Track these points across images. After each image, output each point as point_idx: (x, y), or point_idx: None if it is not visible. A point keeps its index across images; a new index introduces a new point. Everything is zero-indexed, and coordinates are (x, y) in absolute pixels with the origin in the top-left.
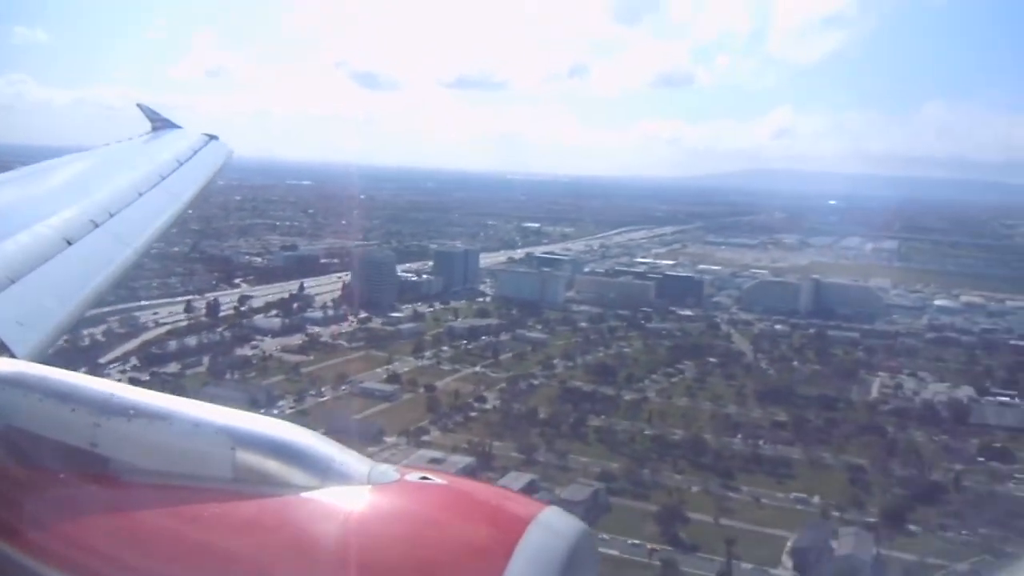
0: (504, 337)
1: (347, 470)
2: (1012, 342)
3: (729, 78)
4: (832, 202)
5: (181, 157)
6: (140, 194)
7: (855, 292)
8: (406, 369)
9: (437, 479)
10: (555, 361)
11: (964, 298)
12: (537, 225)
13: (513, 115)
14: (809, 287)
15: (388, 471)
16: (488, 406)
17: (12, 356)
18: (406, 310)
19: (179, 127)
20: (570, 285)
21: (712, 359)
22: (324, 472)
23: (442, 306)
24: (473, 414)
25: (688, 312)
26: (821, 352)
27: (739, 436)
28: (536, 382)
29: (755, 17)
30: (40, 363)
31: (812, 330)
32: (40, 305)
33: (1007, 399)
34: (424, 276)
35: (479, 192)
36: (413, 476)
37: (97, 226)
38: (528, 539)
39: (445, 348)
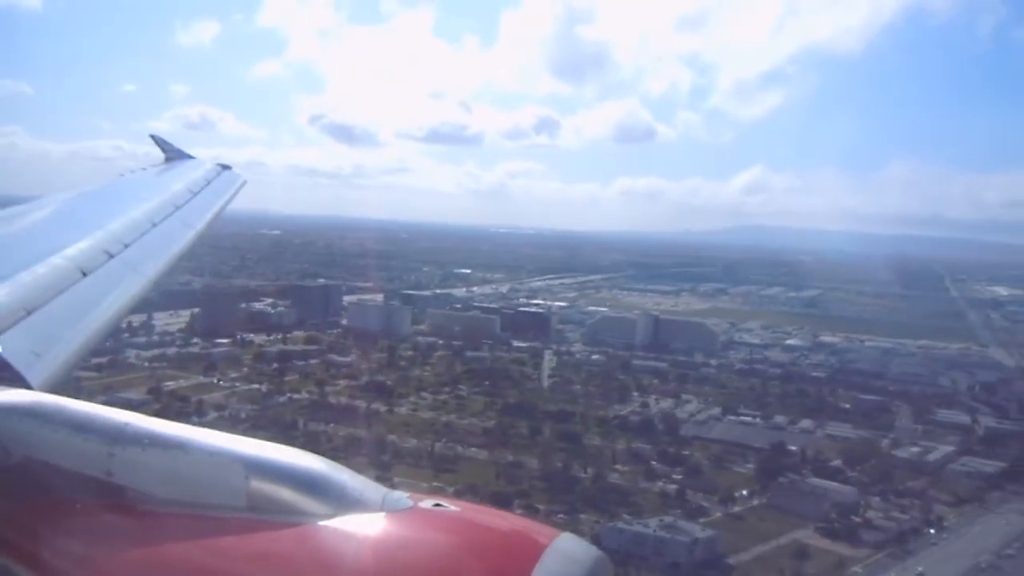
0: (312, 361)
1: (361, 497)
2: (814, 374)
3: (691, 134)
4: (804, 258)
5: (194, 187)
6: (154, 224)
7: (692, 328)
8: (181, 385)
9: (451, 506)
10: (339, 381)
11: (823, 338)
12: (468, 271)
13: (494, 170)
14: (647, 323)
15: (402, 498)
16: (225, 414)
17: (28, 387)
18: (240, 338)
19: (192, 157)
20: (422, 319)
21: (496, 381)
22: (338, 500)
23: (283, 335)
24: (198, 420)
25: (523, 344)
26: (610, 378)
27: (441, 440)
28: (297, 396)
29: (699, 74)
30: (55, 393)
31: (623, 360)
32: (55, 336)
33: (747, 419)
34: (279, 308)
35: (447, 243)
36: (427, 503)
37: (112, 257)
38: (543, 566)
39: (244, 369)
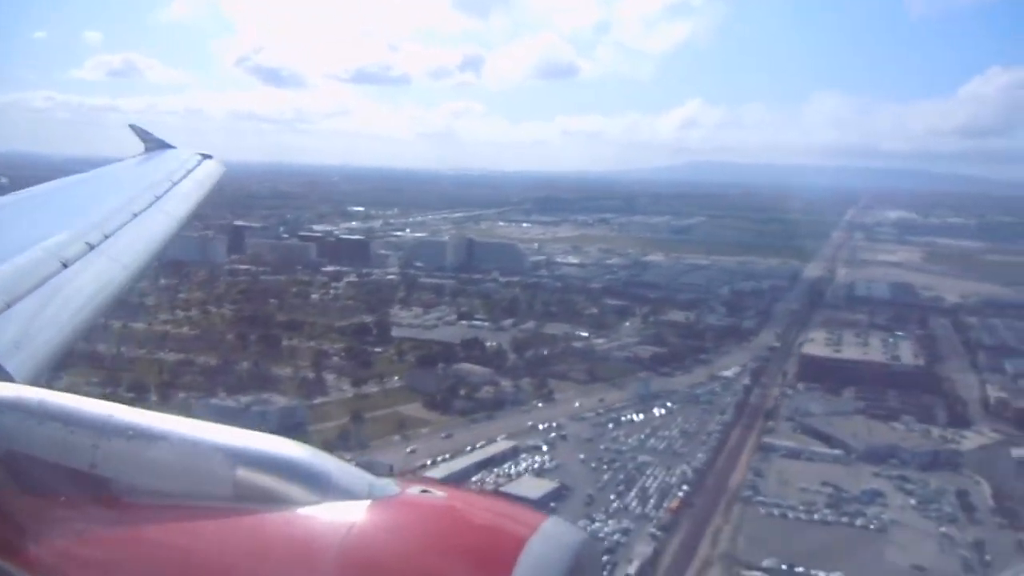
0: None
1: (346, 485)
2: (592, 287)
3: (614, 68)
4: (732, 191)
5: (174, 177)
6: (134, 215)
7: (503, 250)
8: None
9: (437, 492)
10: None
11: (647, 258)
12: (362, 209)
13: (434, 112)
14: (461, 245)
15: (388, 485)
16: None
17: (10, 379)
18: None
19: (172, 147)
20: (243, 248)
21: (263, 300)
22: (324, 488)
23: None
24: None
25: (332, 268)
26: (381, 294)
27: (145, 348)
28: None
29: (604, 7)
30: (38, 386)
31: (412, 279)
32: (37, 327)
33: (477, 323)
34: None
35: (371, 185)
36: (413, 490)
37: (92, 248)
38: (530, 551)
39: None
